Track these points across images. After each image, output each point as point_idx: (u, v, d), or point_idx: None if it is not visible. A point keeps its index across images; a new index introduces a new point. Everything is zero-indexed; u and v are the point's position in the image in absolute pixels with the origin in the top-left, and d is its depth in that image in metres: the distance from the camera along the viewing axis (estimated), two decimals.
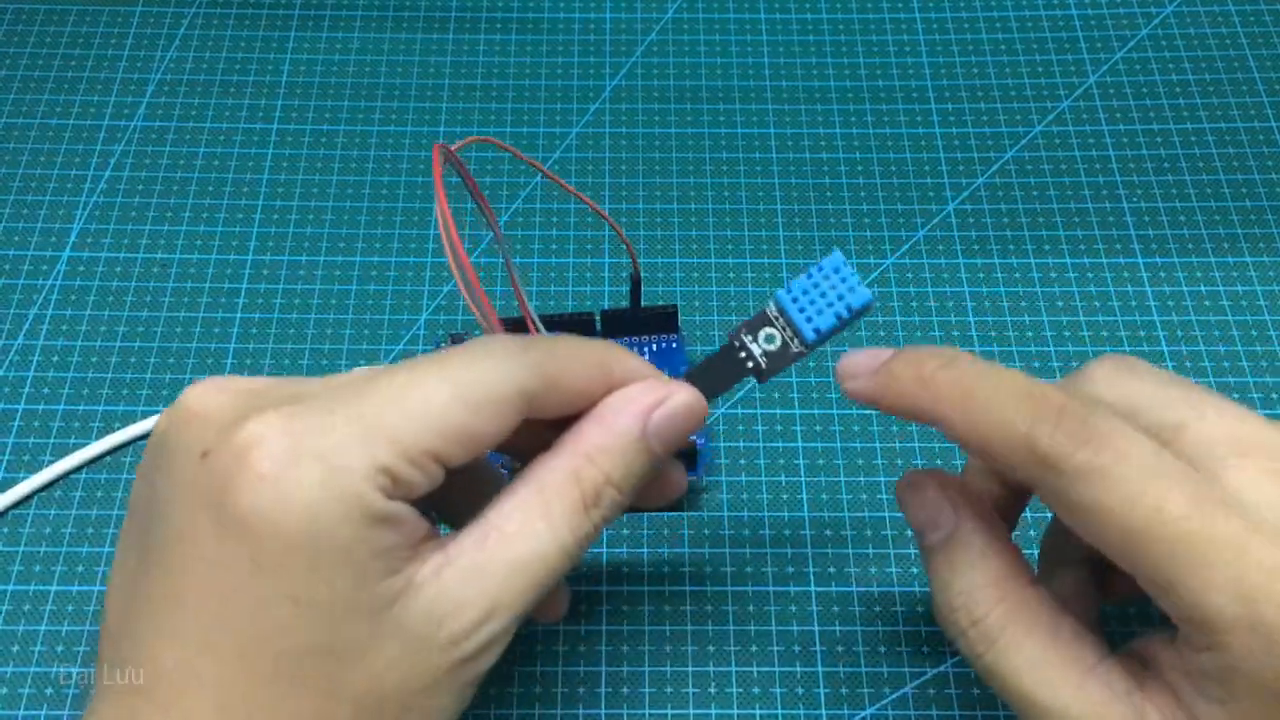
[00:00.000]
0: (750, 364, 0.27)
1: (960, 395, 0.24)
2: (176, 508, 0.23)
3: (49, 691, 0.31)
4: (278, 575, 0.22)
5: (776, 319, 0.27)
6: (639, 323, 0.36)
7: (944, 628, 0.26)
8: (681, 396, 0.26)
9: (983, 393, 0.24)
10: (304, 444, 0.22)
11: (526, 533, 0.24)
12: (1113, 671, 0.24)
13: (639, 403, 0.26)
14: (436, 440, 0.23)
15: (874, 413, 0.36)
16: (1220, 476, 0.22)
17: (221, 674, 0.22)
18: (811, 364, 0.37)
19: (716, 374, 0.27)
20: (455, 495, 0.26)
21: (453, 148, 0.27)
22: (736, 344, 0.27)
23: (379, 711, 0.23)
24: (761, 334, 0.27)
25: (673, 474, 0.28)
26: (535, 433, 0.26)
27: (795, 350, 0.27)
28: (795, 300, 0.27)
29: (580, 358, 0.25)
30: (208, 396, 0.24)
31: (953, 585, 0.26)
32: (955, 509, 0.26)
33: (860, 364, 0.26)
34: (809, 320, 0.27)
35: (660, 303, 0.38)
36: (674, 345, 0.36)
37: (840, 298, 0.26)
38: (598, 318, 0.36)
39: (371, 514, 0.22)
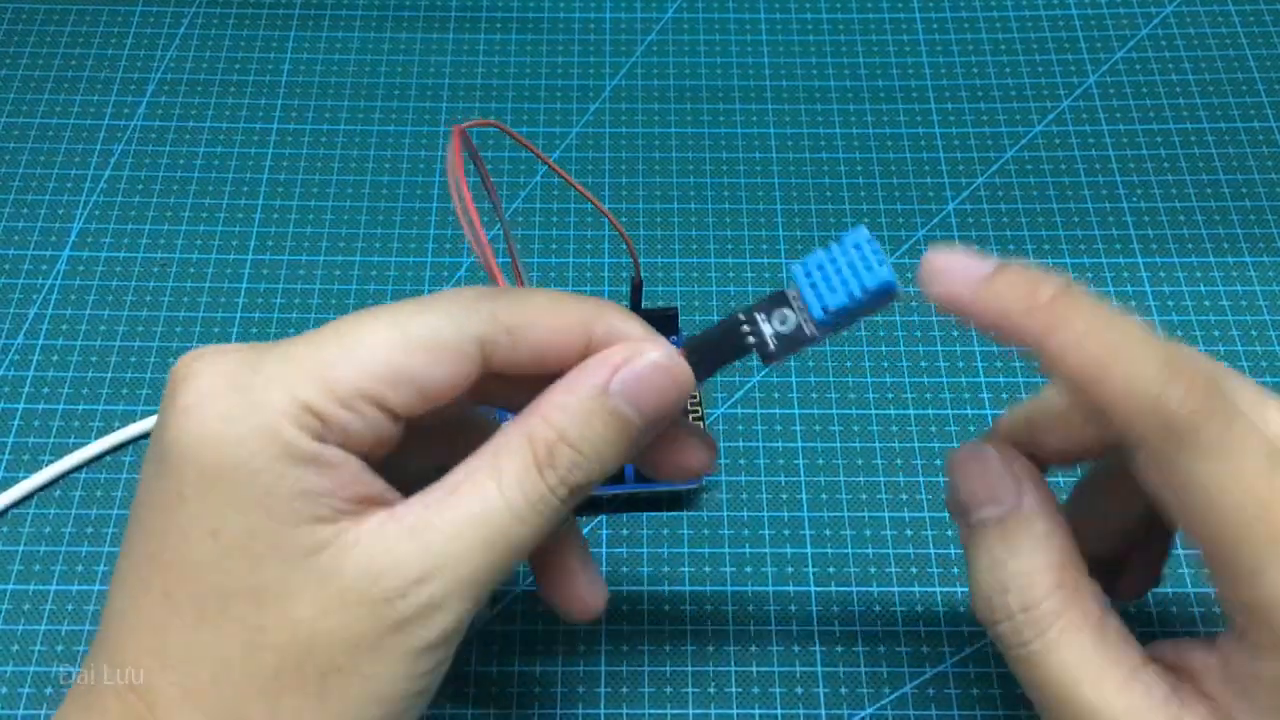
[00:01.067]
0: (753, 340, 0.24)
1: (1086, 327, 0.22)
2: (146, 458, 0.23)
3: (48, 691, 0.31)
4: (197, 507, 0.22)
5: (795, 299, 0.24)
6: None
7: (986, 611, 0.24)
8: (652, 354, 0.24)
9: (1110, 340, 0.22)
10: (229, 379, 0.22)
11: (473, 492, 0.23)
12: (1153, 676, 0.23)
13: (605, 361, 0.24)
14: (371, 382, 0.22)
15: (873, 413, 0.37)
16: None
17: (154, 615, 0.22)
18: (811, 363, 0.37)
19: (714, 347, 0.25)
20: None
21: (464, 125, 0.26)
22: (743, 318, 0.25)
23: (303, 662, 0.22)
24: (775, 314, 0.24)
25: (691, 444, 0.26)
26: (519, 398, 0.25)
27: (809, 333, 0.24)
28: (809, 275, 0.24)
29: (554, 310, 0.24)
30: (190, 354, 0.24)
31: (1008, 566, 0.24)
32: (1019, 484, 0.24)
33: (955, 267, 0.23)
34: (819, 298, 0.24)
35: (660, 303, 0.38)
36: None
37: (857, 276, 0.23)
38: None
39: (291, 452, 0.22)
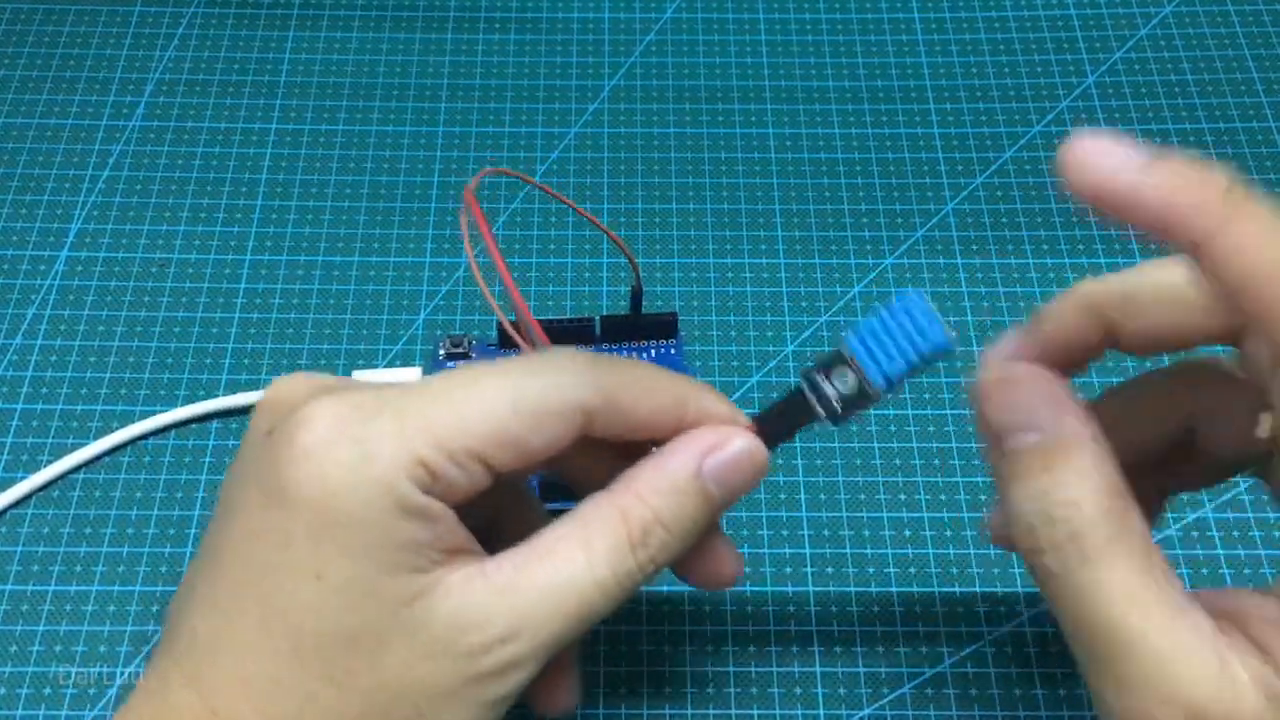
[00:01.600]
0: (822, 407, 0.25)
1: (1252, 240, 0.20)
2: (235, 482, 0.24)
3: (47, 691, 0.31)
4: (306, 549, 0.22)
5: (850, 359, 0.25)
6: (638, 329, 0.36)
7: (1029, 540, 0.22)
8: (741, 440, 0.25)
9: None
10: (348, 428, 0.23)
11: (563, 561, 0.24)
12: (1199, 614, 0.21)
13: (697, 442, 0.25)
14: (481, 442, 0.23)
15: (872, 413, 0.36)
16: None
17: (246, 643, 0.23)
18: (810, 364, 0.37)
19: (785, 418, 0.26)
20: (503, 521, 0.26)
21: (469, 187, 0.27)
22: (808, 385, 0.25)
23: (388, 709, 0.23)
24: (835, 374, 0.25)
25: (725, 553, 0.27)
26: (597, 461, 0.26)
27: (871, 393, 0.24)
28: (864, 343, 0.25)
29: (653, 386, 0.25)
30: (290, 384, 0.25)
31: (1052, 495, 0.22)
32: (1059, 408, 0.23)
33: (1107, 155, 0.22)
34: (879, 365, 0.24)
35: (659, 304, 0.38)
36: (673, 351, 0.36)
37: (913, 342, 0.24)
38: (597, 322, 0.36)
39: (403, 504, 0.22)
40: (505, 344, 0.36)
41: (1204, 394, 0.26)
